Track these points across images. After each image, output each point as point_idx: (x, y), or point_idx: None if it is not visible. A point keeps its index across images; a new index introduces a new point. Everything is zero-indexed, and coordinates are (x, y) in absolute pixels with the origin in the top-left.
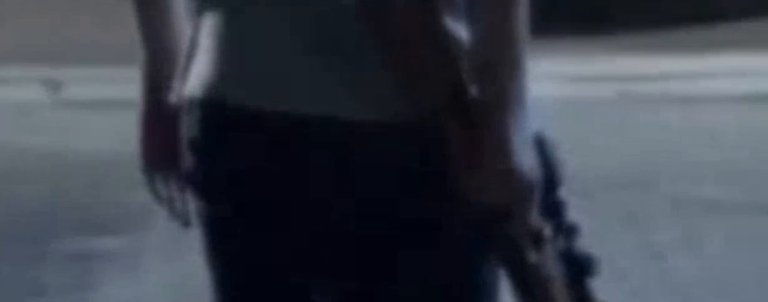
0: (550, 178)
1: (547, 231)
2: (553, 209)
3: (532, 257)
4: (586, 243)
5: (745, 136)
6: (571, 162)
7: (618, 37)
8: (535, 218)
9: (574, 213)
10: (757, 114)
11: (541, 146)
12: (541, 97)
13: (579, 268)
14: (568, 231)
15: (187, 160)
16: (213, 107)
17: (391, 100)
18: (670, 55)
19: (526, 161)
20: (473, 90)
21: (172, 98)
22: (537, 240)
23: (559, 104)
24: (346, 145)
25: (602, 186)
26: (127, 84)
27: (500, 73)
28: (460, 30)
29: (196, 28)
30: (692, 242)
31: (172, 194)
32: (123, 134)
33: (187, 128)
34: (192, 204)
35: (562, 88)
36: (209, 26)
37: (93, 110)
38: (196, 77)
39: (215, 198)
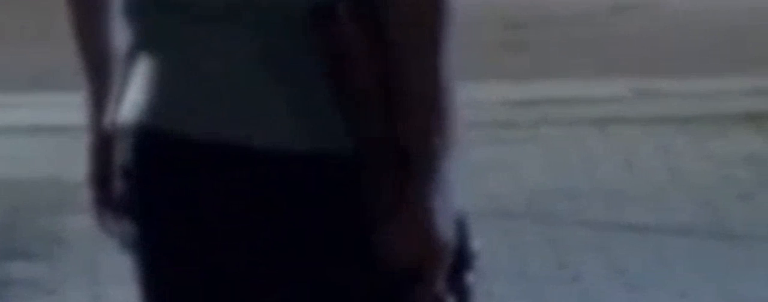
0: (462, 260)
1: None
2: (460, 292)
3: None
4: (507, 264)
5: (661, 158)
6: (492, 185)
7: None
8: (442, 288)
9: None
10: (671, 135)
11: (460, 228)
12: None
13: None
14: None
15: (120, 186)
16: (146, 133)
17: (328, 134)
18: (586, 78)
19: (445, 225)
20: (405, 141)
21: (107, 125)
22: None
23: (482, 127)
24: (277, 173)
25: (522, 209)
26: (49, 110)
27: (429, 133)
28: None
29: (131, 56)
30: (611, 264)
31: (121, 224)
32: (45, 159)
33: (120, 154)
34: (124, 229)
35: (485, 112)
36: (144, 54)
37: (14, 135)
38: (129, 103)
39: (147, 224)
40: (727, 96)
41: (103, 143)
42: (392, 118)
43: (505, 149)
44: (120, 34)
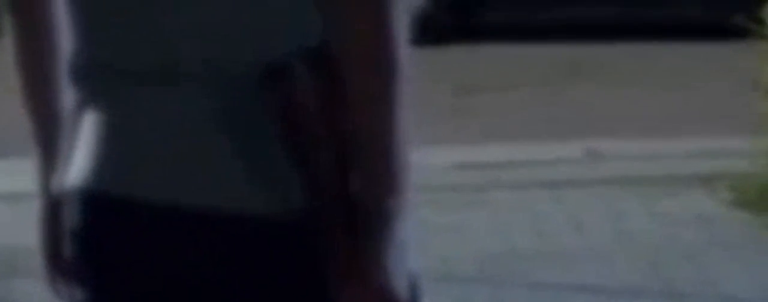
0: None
1: None
2: None
3: None
4: None
5: (610, 219)
6: (442, 248)
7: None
8: None
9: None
10: (620, 197)
11: (413, 289)
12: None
13: None
14: None
15: (68, 250)
16: (94, 198)
17: (283, 195)
18: (536, 141)
19: (400, 284)
20: (359, 201)
21: (54, 189)
22: None
23: (430, 191)
24: (230, 237)
25: (472, 272)
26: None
27: (385, 190)
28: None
29: (77, 119)
30: None
31: (73, 289)
32: None
33: (69, 219)
34: (73, 295)
35: (434, 176)
36: (92, 116)
37: None
38: (76, 168)
39: (98, 289)
40: (677, 158)
41: (54, 207)
42: (348, 175)
43: (454, 213)
44: (67, 96)
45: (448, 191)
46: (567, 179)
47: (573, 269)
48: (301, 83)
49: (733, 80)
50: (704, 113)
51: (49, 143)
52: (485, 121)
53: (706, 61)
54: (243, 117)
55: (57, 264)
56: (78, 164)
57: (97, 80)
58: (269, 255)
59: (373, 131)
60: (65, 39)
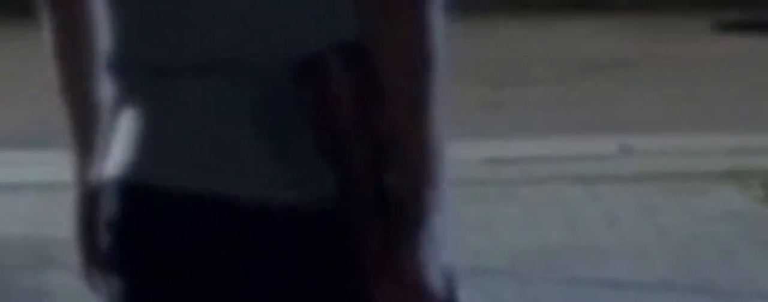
0: None
1: None
2: None
3: None
4: None
5: (642, 215)
6: (473, 243)
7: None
8: None
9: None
10: (653, 193)
11: (449, 281)
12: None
13: None
14: None
15: (104, 241)
16: (131, 189)
17: (315, 186)
18: (569, 135)
19: (435, 277)
20: (394, 194)
21: (93, 180)
22: None
23: (462, 185)
24: (263, 227)
25: (503, 267)
26: (30, 167)
27: (421, 183)
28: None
29: (116, 111)
30: None
31: (108, 280)
32: (20, 217)
33: (106, 209)
34: (111, 285)
35: (464, 170)
36: (129, 108)
37: None
38: (113, 159)
39: (134, 279)
40: (709, 154)
41: (91, 199)
42: (381, 169)
43: (485, 207)
44: (105, 89)
45: (478, 185)
46: (599, 174)
47: (605, 264)
48: (335, 75)
49: (767, 76)
50: (737, 109)
51: (86, 135)
52: (515, 115)
53: (739, 57)
54: (277, 109)
55: (93, 255)
56: (116, 156)
57: (134, 75)
58: (301, 246)
59: (408, 125)
60: (101, 33)
